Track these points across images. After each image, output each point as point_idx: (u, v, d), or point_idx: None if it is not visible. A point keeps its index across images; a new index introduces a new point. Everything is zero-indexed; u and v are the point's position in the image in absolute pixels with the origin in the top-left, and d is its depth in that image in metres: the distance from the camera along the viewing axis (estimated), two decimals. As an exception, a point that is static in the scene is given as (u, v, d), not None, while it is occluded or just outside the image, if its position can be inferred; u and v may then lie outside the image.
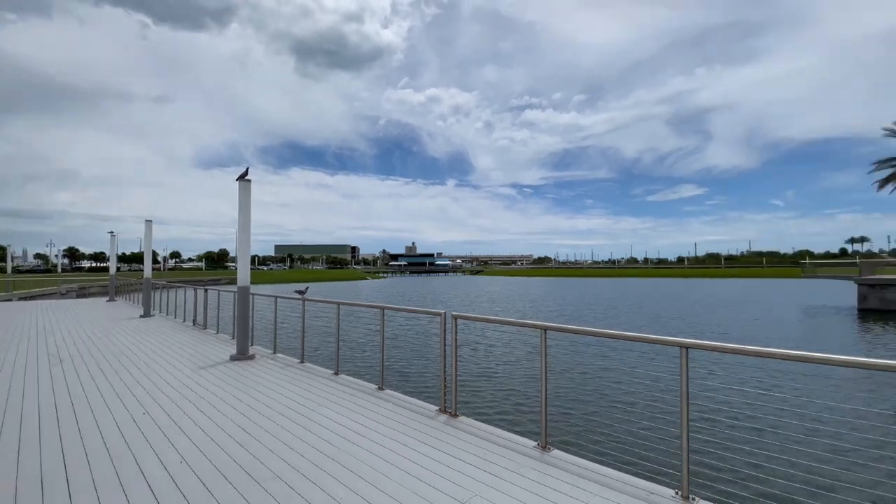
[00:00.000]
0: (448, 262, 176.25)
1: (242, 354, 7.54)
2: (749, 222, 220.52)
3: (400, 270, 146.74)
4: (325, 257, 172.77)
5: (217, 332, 10.18)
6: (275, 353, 7.87)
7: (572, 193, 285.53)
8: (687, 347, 3.00)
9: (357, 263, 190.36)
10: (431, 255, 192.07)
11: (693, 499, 2.87)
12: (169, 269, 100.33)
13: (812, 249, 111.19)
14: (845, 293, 27.03)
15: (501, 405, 7.40)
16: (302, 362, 7.14)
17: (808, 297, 31.30)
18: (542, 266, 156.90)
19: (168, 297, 14.01)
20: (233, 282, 9.12)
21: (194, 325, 11.57)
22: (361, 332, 9.11)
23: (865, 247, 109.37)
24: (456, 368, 4.59)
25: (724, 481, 3.26)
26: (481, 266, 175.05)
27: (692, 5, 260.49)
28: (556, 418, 5.94)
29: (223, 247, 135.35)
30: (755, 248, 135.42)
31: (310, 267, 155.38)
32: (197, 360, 7.39)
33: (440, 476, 3.24)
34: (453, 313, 4.62)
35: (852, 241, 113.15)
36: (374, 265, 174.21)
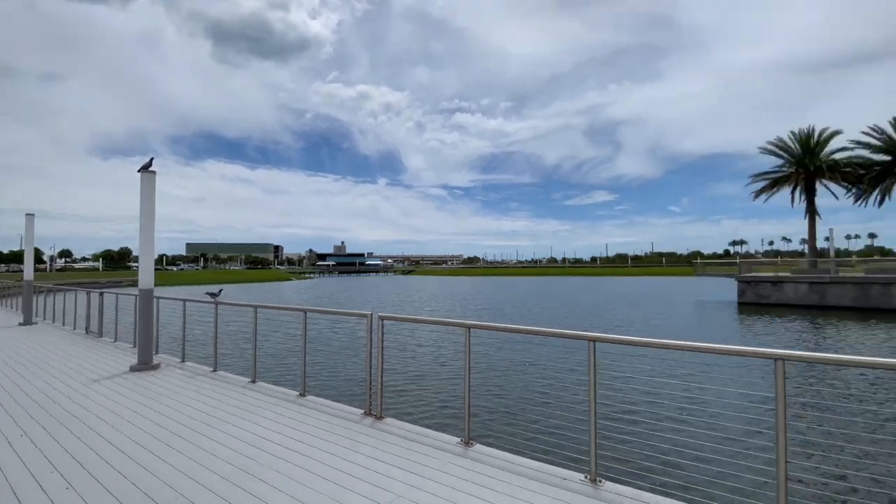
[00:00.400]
0: (379, 262, 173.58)
1: (145, 364, 6.82)
2: (652, 226, 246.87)
3: (328, 271, 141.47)
4: (244, 257, 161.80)
5: (115, 341, 9.10)
6: (183, 361, 7.22)
7: (499, 196, 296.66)
8: (594, 341, 3.26)
9: (281, 263, 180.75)
10: (362, 255, 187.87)
11: (600, 481, 3.12)
12: (58, 270, 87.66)
13: (702, 250, 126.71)
14: (729, 289, 31.05)
15: (428, 404, 7.47)
16: (214, 371, 6.62)
17: (699, 293, 35.49)
18: (471, 266, 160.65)
19: (56, 301, 12.24)
20: (136, 283, 8.19)
21: (87, 333, 10.22)
22: (282, 336, 8.66)
23: (745, 248, 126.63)
24: (382, 370, 4.55)
25: (627, 463, 3.59)
26: (413, 266, 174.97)
27: (606, 26, 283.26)
28: (479, 414, 6.14)
29: (126, 245, 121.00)
30: (657, 249, 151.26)
31: (227, 267, 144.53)
32: (89, 373, 6.55)
33: (363, 481, 3.19)
34: (380, 314, 4.57)
35: (734, 243, 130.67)
36: (299, 265, 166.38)
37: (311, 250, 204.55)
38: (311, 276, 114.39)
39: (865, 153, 28.92)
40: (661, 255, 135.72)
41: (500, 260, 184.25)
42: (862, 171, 28.88)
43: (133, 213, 7.08)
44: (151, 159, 7.04)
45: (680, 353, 9.06)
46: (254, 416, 4.60)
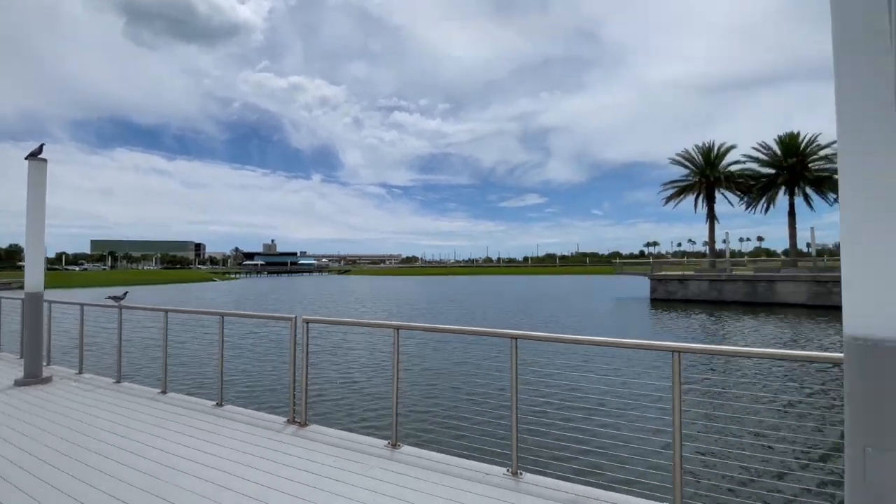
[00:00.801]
0: (313, 262, 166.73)
1: (33, 377, 6.00)
2: (577, 228, 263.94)
3: (256, 271, 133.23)
4: (159, 256, 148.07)
5: (-6, 353, 7.91)
6: (80, 373, 6.46)
7: (438, 196, 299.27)
8: (516, 338, 3.41)
9: (202, 263, 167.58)
10: (294, 254, 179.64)
11: (521, 473, 3.28)
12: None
13: (621, 251, 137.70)
14: (643, 286, 33.93)
15: (357, 409, 7.35)
16: (118, 382, 6.00)
17: (619, 291, 38.41)
18: (409, 265, 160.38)
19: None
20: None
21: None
22: (199, 343, 8.04)
23: (657, 249, 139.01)
24: (307, 376, 4.41)
25: (546, 454, 3.80)
26: (349, 266, 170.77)
27: (538, 36, 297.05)
28: (407, 416, 6.15)
29: (17, 242, 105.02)
30: (581, 250, 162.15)
31: (140, 267, 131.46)
32: (-44, 392, 5.63)
33: (285, 493, 3.08)
34: (305, 317, 4.42)
35: (648, 244, 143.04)
36: (223, 265, 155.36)
37: (237, 249, 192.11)
38: (237, 276, 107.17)
39: (755, 166, 33.07)
40: (585, 255, 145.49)
41: (438, 259, 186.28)
42: (752, 182, 32.99)
43: (25, 206, 6.19)
44: (42, 145, 6.22)
45: (594, 348, 9.80)
46: (163, 431, 4.25)
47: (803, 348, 14.03)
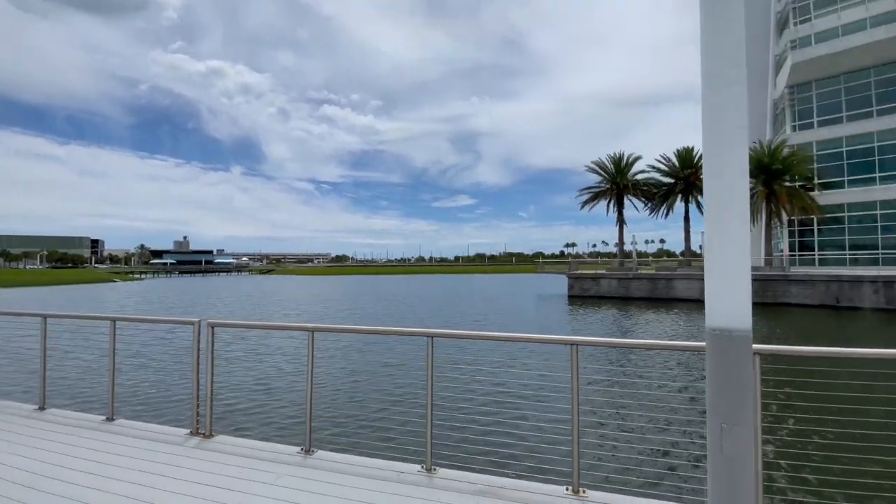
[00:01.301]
0: (231, 261, 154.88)
1: None
2: (505, 229, 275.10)
3: (165, 271, 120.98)
4: (45, 253, 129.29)
5: None
6: (-73, 393, 5.44)
7: (370, 194, 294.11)
8: (433, 337, 3.47)
9: (101, 262, 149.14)
10: (210, 253, 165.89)
11: (435, 470, 3.34)
12: None
13: (544, 251, 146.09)
14: (562, 284, 36.19)
15: (269, 416, 6.95)
16: (-20, 401, 5.15)
17: (541, 288, 40.60)
18: (339, 265, 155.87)
19: None
20: None
21: None
22: (88, 352, 7.10)
23: (575, 250, 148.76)
24: (212, 383, 4.11)
25: (462, 450, 3.91)
26: (273, 265, 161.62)
27: (469, 42, 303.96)
28: (322, 420, 5.98)
29: None
30: (509, 250, 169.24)
31: (22, 266, 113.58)
32: None
33: (181, 509, 2.84)
34: (209, 321, 4.11)
35: (567, 245, 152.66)
36: (127, 264, 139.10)
37: (142, 246, 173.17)
38: (143, 276, 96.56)
39: (657, 176, 36.71)
40: (511, 255, 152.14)
41: (369, 259, 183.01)
42: (655, 190, 36.59)
43: None
44: None
45: (506, 344, 10.29)
46: (42, 452, 3.72)
47: (691, 339, 15.84)
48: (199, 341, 4.10)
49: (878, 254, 29.27)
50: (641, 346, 2.95)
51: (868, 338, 16.53)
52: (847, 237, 30.97)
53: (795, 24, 35.04)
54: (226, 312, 24.65)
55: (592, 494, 2.90)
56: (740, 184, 2.14)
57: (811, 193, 30.17)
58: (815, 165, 31.40)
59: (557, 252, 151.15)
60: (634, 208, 38.26)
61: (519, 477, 3.20)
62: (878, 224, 29.74)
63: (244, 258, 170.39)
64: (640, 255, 44.08)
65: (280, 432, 5.89)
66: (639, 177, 37.15)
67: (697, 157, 34.84)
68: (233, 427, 6.00)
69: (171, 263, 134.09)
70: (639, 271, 32.37)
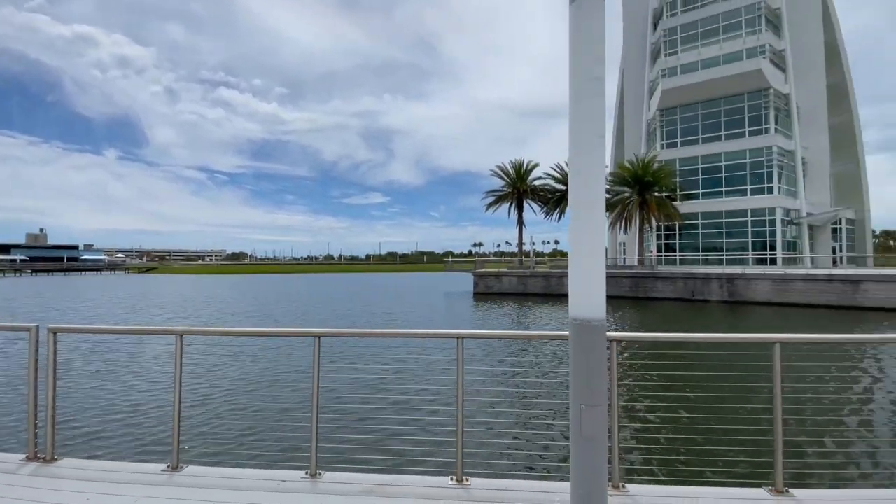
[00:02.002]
0: (103, 258, 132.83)
1: None
2: (417, 228, 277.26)
3: (14, 269, 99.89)
4: None
5: None
6: None
7: (273, 187, 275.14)
8: (319, 337, 3.33)
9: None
10: (75, 248, 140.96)
11: (320, 474, 3.20)
12: None
13: (454, 250, 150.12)
14: (468, 282, 37.61)
15: (128, 432, 6.05)
16: None
17: (449, 286, 41.70)
18: (236, 262, 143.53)
19: None
20: None
21: None
22: None
23: (482, 249, 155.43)
24: (53, 399, 3.48)
25: (350, 451, 3.82)
26: (155, 262, 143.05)
27: (382, 38, 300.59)
28: (194, 433, 5.41)
29: None
30: (420, 249, 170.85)
31: None
32: None
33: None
34: (50, 326, 3.48)
35: (475, 245, 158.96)
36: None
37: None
38: (-23, 276, 78.70)
39: (552, 182, 39.85)
40: (423, 253, 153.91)
41: (272, 256, 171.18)
42: (549, 196, 39.70)
43: None
44: None
45: (397, 340, 10.33)
46: None
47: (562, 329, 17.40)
48: (36, 351, 3.44)
49: (723, 255, 35.29)
50: (521, 337, 3.18)
51: (714, 325, 19.78)
52: (700, 241, 36.86)
53: (666, 55, 40.60)
54: (85, 317, 21.14)
55: (475, 482, 3.02)
56: (598, 189, 2.37)
57: (674, 203, 35.14)
58: (678, 179, 36.74)
59: (466, 251, 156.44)
60: (533, 211, 41.12)
61: (408, 472, 3.22)
62: (724, 230, 35.91)
63: (119, 254, 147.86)
64: (537, 254, 47.54)
65: (142, 450, 5.16)
66: (536, 183, 39.98)
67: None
68: (83, 449, 5.13)
69: (21, 260, 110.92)
70: (535, 269, 34.96)
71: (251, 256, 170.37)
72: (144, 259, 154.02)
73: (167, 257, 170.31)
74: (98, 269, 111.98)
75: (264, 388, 7.61)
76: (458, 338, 3.17)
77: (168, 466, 3.33)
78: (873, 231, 43.51)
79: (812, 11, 36.50)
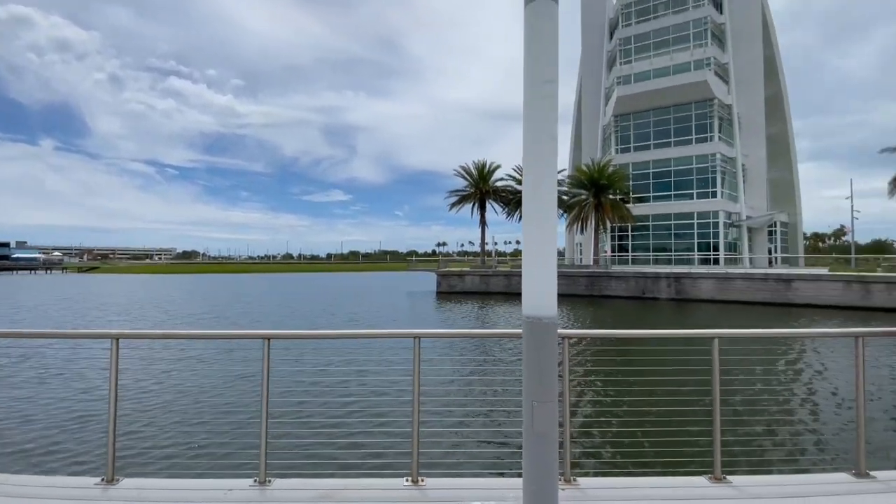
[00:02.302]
0: (37, 256, 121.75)
1: None
2: (380, 227, 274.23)
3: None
4: None
5: None
6: None
7: (227, 183, 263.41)
8: (269, 339, 3.19)
9: None
10: (6, 245, 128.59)
11: (270, 481, 3.08)
12: None
13: (418, 249, 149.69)
14: (432, 281, 37.63)
15: (57, 442, 5.56)
16: None
17: (411, 285, 41.54)
18: (187, 262, 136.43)
19: None
20: None
21: None
22: None
23: (446, 249, 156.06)
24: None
25: (301, 456, 3.70)
26: (97, 261, 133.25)
27: (344, 33, 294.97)
28: (130, 441, 5.06)
29: None
30: (384, 248, 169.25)
31: None
32: None
33: None
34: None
35: (439, 244, 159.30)
36: None
37: None
38: None
39: (513, 184, 40.55)
40: (386, 252, 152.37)
41: (226, 255, 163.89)
42: (511, 197, 40.41)
43: None
44: None
45: (352, 341, 10.16)
46: None
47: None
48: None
49: (671, 255, 37.19)
50: (476, 336, 3.20)
51: (662, 321, 20.83)
52: (651, 241, 38.71)
53: (621, 63, 42.30)
54: (4, 322, 19.33)
55: (430, 482, 3.00)
56: (550, 189, 2.41)
57: (627, 205, 36.71)
58: (631, 182, 38.42)
59: (430, 251, 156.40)
60: (495, 212, 41.69)
61: (363, 475, 3.16)
62: (672, 232, 37.87)
63: (56, 253, 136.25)
64: (499, 254, 48.22)
65: (74, 463, 4.75)
66: (498, 184, 40.59)
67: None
68: (7, 464, 4.67)
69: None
70: (497, 269, 35.46)
71: (204, 255, 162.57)
72: (85, 258, 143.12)
73: (111, 256, 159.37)
74: (32, 269, 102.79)
75: (210, 394, 7.14)
76: (414, 337, 3.13)
77: (102, 479, 3.09)
78: (804, 233, 47.42)
79: (753, 28, 39.20)
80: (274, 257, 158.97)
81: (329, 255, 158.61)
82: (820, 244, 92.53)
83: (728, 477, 2.88)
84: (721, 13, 39.81)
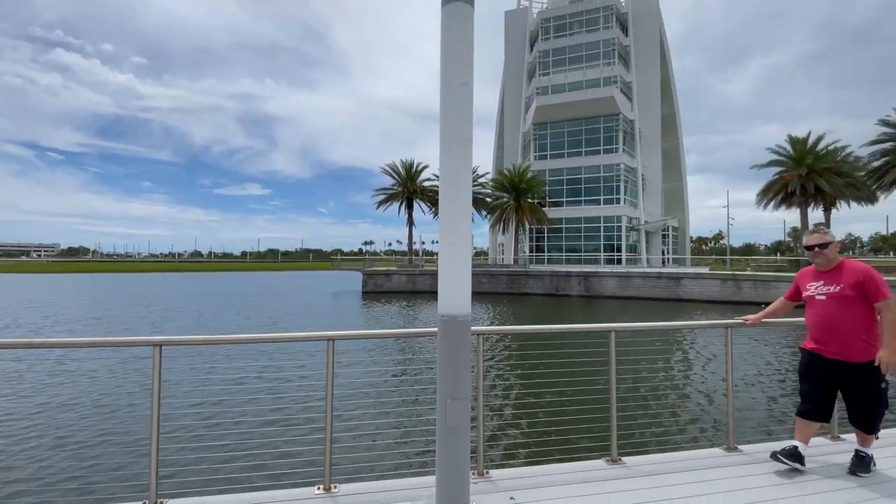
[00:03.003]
0: None
1: None
2: (303, 224, 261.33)
3: None
4: None
5: None
6: None
7: (125, 171, 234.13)
8: (161, 345, 2.87)
9: None
10: None
11: (162, 502, 2.77)
12: None
13: (343, 248, 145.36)
14: (357, 281, 36.77)
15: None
16: None
17: (336, 286, 40.25)
18: (74, 259, 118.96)
19: None
20: None
21: None
22: None
23: (373, 248, 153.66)
24: None
25: (203, 473, 3.38)
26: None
27: (266, 18, 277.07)
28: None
29: None
30: (306, 246, 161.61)
31: None
32: None
33: None
34: None
35: (365, 243, 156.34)
36: None
37: None
38: None
39: (438, 184, 41.14)
40: (309, 251, 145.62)
41: (123, 252, 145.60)
42: (437, 197, 40.85)
43: None
44: None
45: (264, 346, 9.57)
46: None
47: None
48: None
49: (581, 255, 40.29)
50: (392, 336, 3.17)
51: (571, 316, 22.45)
52: (564, 243, 41.64)
53: (540, 74, 44.81)
54: None
55: (343, 488, 2.91)
56: (465, 190, 2.45)
57: (544, 209, 39.03)
58: (547, 188, 40.93)
59: (357, 249, 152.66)
60: (423, 212, 41.89)
61: (271, 487, 2.97)
62: (582, 234, 41.06)
63: None
64: (427, 253, 48.49)
65: None
66: (426, 184, 40.83)
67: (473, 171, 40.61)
68: None
69: None
70: (424, 268, 35.67)
71: (96, 252, 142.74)
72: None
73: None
74: None
75: (89, 410, 6.14)
76: (328, 340, 3.02)
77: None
78: (691, 237, 54.09)
79: (652, 51, 43.72)
80: (180, 255, 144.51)
81: (244, 254, 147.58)
82: (703, 246, 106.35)
83: (623, 458, 3.16)
84: (627, 36, 43.89)
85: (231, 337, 3.00)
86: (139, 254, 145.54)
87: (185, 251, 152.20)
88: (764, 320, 3.39)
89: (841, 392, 2.94)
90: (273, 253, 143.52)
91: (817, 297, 2.94)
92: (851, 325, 2.79)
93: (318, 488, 2.91)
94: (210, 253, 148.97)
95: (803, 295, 3.08)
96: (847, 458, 3.00)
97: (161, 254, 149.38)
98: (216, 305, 25.79)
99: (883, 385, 2.78)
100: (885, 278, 2.84)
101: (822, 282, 2.94)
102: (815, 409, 2.94)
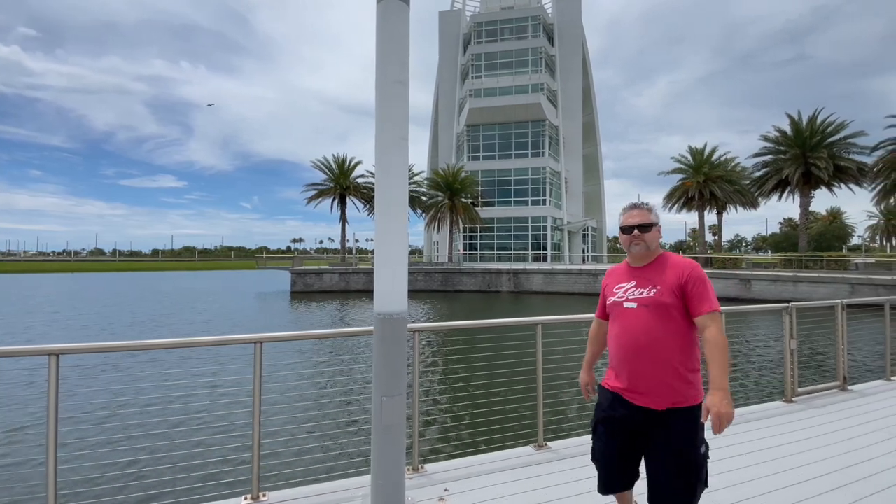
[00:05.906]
0: None
1: None
2: (224, 219, 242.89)
3: None
4: None
5: None
6: None
7: (9, 158, 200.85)
8: (58, 354, 2.56)
9: None
10: None
11: (59, 528, 2.48)
12: None
13: (270, 246, 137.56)
14: (285, 280, 35.03)
15: None
16: None
17: (261, 286, 38.03)
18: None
19: None
20: None
21: None
22: None
23: (303, 245, 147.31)
24: None
25: (111, 492, 3.07)
26: None
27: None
28: None
29: None
30: (227, 244, 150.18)
31: None
32: None
33: None
34: None
35: (294, 240, 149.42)
36: None
37: None
38: None
39: (374, 181, 40.53)
40: (231, 249, 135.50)
41: (5, 250, 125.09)
42: (372, 193, 40.26)
43: None
44: None
45: (181, 352, 8.88)
46: None
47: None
48: None
49: (511, 253, 41.97)
50: (325, 336, 3.08)
51: (502, 311, 23.33)
52: (496, 241, 43.15)
53: (472, 77, 45.84)
54: None
55: (273, 496, 2.81)
56: (401, 189, 2.48)
57: (477, 208, 40.07)
58: (480, 188, 42.09)
59: (285, 247, 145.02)
60: (356, 209, 40.95)
61: (196, 501, 2.77)
62: (512, 233, 42.81)
63: None
64: (360, 251, 47.46)
65: None
66: (359, 180, 39.98)
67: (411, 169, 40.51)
68: None
69: None
70: (357, 266, 34.90)
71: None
72: None
73: None
74: None
75: None
76: (255, 342, 2.88)
77: None
78: (607, 236, 58.62)
79: (575, 62, 46.61)
80: (77, 253, 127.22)
81: (155, 251, 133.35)
82: (618, 245, 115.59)
83: (549, 443, 3.38)
84: (553, 45, 46.34)
85: (143, 343, 2.74)
86: (25, 252, 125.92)
87: (84, 249, 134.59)
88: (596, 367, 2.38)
89: (644, 455, 1.94)
90: (189, 251, 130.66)
91: (625, 305, 1.96)
92: (668, 348, 1.83)
93: (246, 498, 2.78)
94: (115, 251, 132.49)
95: (608, 302, 2.09)
96: None
97: (53, 252, 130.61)
98: (117, 310, 23.14)
99: (703, 450, 1.83)
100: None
101: (635, 282, 1.98)
102: (619, 478, 2.01)
